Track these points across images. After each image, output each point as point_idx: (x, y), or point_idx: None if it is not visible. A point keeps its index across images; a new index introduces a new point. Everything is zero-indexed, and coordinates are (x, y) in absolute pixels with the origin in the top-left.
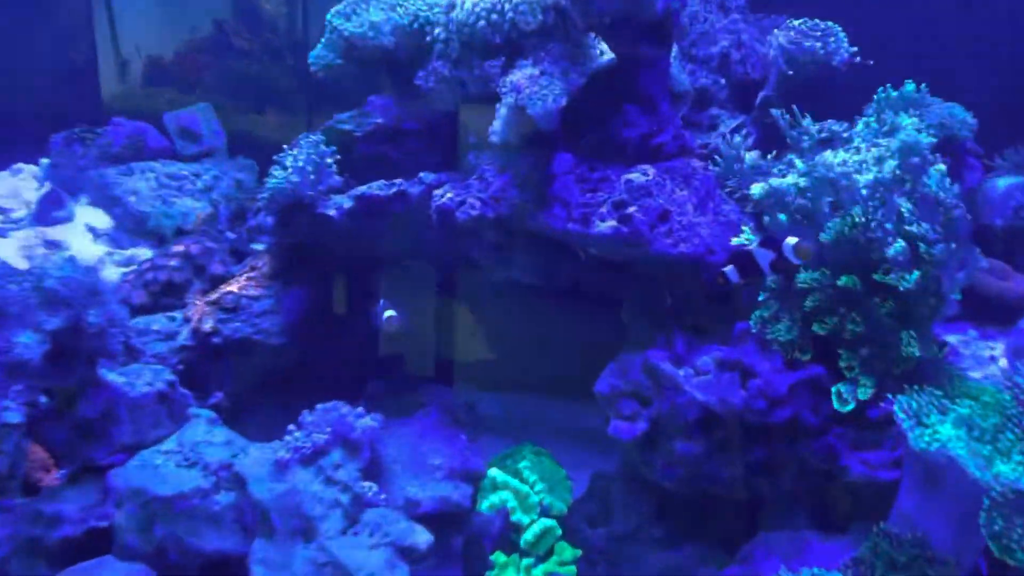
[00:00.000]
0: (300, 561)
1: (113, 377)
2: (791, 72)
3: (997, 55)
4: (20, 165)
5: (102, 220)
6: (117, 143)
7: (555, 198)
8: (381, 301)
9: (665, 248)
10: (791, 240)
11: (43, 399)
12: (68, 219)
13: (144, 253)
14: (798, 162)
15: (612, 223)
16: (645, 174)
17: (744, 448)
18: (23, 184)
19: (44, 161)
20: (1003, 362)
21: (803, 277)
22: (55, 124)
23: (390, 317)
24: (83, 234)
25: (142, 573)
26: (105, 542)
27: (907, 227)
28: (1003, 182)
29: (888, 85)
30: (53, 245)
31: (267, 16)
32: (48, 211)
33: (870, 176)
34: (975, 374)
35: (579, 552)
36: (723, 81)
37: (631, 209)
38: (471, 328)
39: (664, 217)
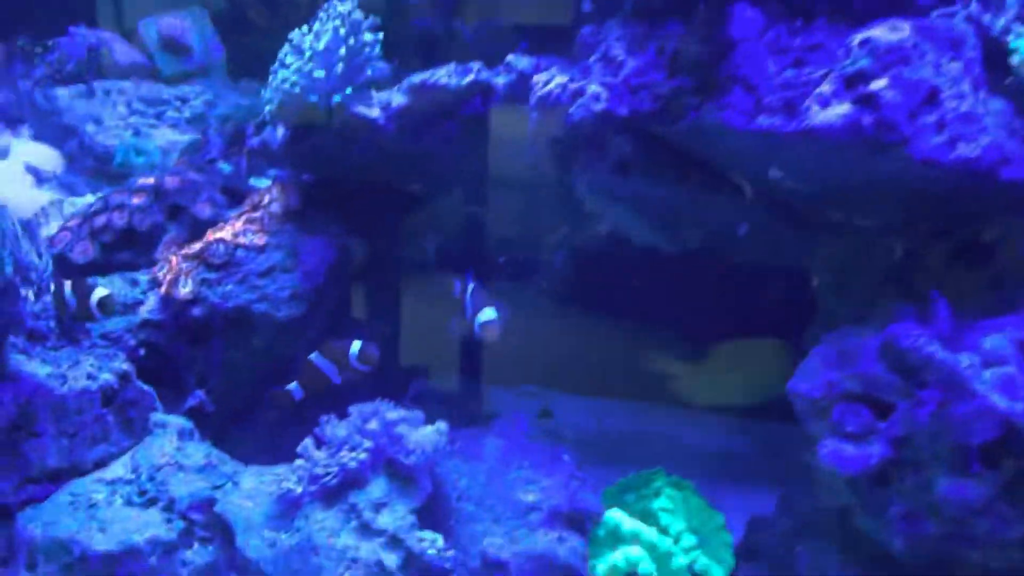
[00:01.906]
0: None
1: (34, 367)
2: None
3: None
4: None
5: (49, 158)
6: (73, 58)
7: (734, 79)
8: (468, 289)
9: (934, 152)
10: None
11: None
12: (1, 156)
13: None
14: None
15: (844, 108)
16: (897, 29)
17: None
18: None
19: None
20: None
21: None
22: None
23: (487, 323)
24: (21, 177)
25: None
26: None
27: None
28: None
29: None
30: None
31: None
32: None
33: None
34: None
35: None
36: None
37: (878, 84)
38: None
39: (932, 98)
